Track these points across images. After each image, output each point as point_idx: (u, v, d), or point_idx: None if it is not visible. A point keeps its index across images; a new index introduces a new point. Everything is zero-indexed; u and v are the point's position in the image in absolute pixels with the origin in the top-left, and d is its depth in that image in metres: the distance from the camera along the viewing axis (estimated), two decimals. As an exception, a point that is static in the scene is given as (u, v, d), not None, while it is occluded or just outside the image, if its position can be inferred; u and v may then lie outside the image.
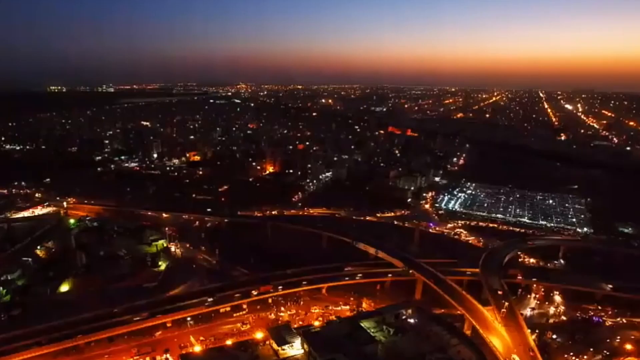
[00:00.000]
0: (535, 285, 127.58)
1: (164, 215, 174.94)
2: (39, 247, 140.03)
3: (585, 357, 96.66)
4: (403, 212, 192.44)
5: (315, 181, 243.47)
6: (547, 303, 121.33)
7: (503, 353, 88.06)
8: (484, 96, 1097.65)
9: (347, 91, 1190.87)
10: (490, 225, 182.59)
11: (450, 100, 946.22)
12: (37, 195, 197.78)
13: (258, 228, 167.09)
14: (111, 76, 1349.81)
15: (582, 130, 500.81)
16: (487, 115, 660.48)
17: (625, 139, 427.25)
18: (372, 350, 70.22)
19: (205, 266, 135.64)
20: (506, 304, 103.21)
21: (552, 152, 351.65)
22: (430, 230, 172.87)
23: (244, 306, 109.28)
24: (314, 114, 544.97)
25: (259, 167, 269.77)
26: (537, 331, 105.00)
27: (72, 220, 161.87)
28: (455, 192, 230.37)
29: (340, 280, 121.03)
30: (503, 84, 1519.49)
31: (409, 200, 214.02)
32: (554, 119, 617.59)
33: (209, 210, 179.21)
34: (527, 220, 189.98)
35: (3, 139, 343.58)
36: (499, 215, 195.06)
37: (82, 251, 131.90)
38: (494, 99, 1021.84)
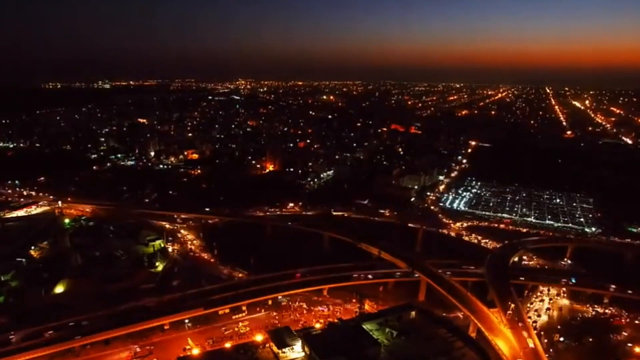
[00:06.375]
0: (542, 287, 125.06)
1: (162, 214, 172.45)
2: (33, 248, 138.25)
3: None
4: (406, 211, 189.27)
5: (316, 180, 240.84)
6: (554, 304, 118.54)
7: (509, 356, 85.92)
8: (489, 92, 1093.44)
9: (349, 87, 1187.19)
10: (496, 225, 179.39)
11: (455, 97, 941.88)
12: (31, 194, 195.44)
13: (258, 228, 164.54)
14: (107, 72, 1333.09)
15: (590, 128, 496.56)
16: (493, 112, 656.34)
17: (634, 137, 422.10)
18: (374, 353, 68.91)
19: (203, 267, 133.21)
20: (512, 305, 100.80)
21: (560, 149, 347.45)
22: (434, 230, 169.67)
23: (243, 308, 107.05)
24: (312, 112, 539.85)
25: (258, 166, 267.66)
26: (544, 333, 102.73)
27: (67, 220, 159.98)
28: (460, 191, 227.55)
29: (343, 281, 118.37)
30: (509, 80, 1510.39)
31: (413, 199, 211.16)
32: (561, 116, 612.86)
33: (207, 209, 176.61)
34: (534, 220, 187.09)
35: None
36: (505, 215, 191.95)
37: (77, 251, 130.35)
38: (499, 95, 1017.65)
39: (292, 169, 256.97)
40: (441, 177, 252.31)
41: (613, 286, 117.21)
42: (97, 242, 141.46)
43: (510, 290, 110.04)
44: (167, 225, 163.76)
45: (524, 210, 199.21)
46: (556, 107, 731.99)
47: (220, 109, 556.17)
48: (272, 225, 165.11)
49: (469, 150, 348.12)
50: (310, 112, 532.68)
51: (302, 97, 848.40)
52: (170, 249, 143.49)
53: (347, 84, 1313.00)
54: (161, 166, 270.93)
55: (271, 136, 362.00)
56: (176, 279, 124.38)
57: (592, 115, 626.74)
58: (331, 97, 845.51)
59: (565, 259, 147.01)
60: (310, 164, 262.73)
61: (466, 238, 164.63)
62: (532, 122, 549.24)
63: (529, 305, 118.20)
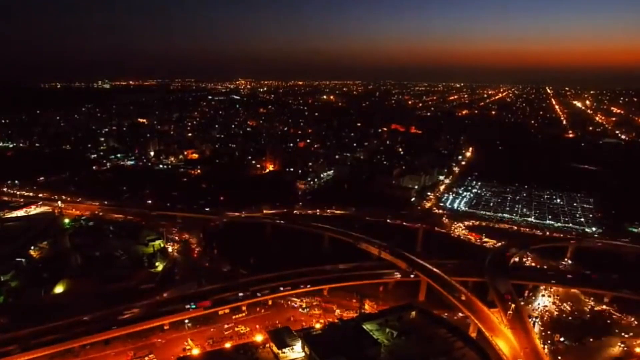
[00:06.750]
0: (542, 287, 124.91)
1: (162, 214, 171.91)
2: (33, 248, 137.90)
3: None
4: (407, 211, 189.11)
5: (316, 180, 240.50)
6: (554, 305, 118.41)
7: (509, 356, 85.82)
8: (489, 92, 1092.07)
9: (349, 87, 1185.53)
10: (497, 225, 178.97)
11: (455, 97, 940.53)
12: (31, 194, 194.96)
13: (258, 228, 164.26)
14: (107, 72, 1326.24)
15: (591, 128, 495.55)
16: (493, 112, 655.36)
17: (635, 136, 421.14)
18: (374, 353, 69.06)
19: (203, 267, 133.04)
20: (513, 305, 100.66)
21: (560, 149, 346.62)
22: (435, 230, 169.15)
23: (243, 308, 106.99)
24: (316, 114, 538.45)
25: (258, 166, 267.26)
26: (544, 334, 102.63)
27: (67, 220, 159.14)
28: (460, 191, 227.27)
29: (343, 281, 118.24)
30: (509, 79, 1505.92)
31: (413, 199, 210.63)
32: (561, 116, 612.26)
33: (207, 209, 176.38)
34: (534, 220, 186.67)
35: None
36: (505, 215, 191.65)
37: (77, 251, 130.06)
38: (500, 95, 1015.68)
39: (292, 169, 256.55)
40: (441, 177, 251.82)
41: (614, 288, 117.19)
42: (97, 242, 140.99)
43: (511, 290, 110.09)
44: (167, 225, 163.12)
45: (525, 210, 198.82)
46: (556, 107, 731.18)
47: (220, 109, 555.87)
48: (272, 225, 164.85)
49: (470, 150, 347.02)
50: (315, 114, 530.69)
51: (302, 96, 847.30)
52: (170, 249, 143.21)
53: (347, 83, 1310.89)
54: (161, 166, 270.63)
55: (271, 136, 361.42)
56: (176, 279, 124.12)
57: (593, 115, 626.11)
58: (331, 97, 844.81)
59: (566, 259, 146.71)
60: (310, 163, 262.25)
61: (466, 238, 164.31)
62: (532, 122, 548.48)
63: (529, 305, 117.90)
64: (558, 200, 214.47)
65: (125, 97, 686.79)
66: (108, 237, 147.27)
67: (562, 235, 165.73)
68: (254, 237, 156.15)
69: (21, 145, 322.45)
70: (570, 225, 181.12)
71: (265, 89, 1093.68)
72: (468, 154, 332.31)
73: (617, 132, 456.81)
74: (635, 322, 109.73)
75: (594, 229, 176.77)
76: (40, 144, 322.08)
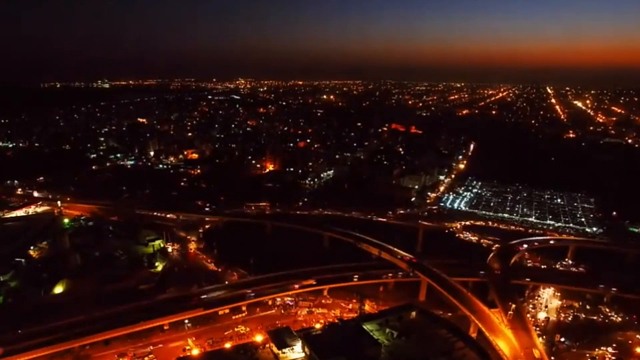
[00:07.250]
0: (542, 287, 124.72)
1: (162, 214, 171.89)
2: (32, 248, 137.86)
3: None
4: (407, 211, 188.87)
5: (316, 179, 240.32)
6: (554, 304, 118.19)
7: (510, 356, 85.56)
8: (490, 92, 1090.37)
9: (349, 87, 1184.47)
10: (497, 225, 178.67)
11: (456, 97, 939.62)
12: (31, 194, 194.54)
13: (258, 228, 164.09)
14: (107, 72, 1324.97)
15: (592, 128, 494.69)
16: (494, 112, 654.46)
17: (635, 136, 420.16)
18: (374, 353, 68.63)
19: (203, 267, 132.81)
20: (513, 305, 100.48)
21: (560, 149, 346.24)
22: (435, 230, 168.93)
23: (243, 308, 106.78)
24: (318, 112, 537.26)
25: (258, 165, 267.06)
26: (545, 334, 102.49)
27: (66, 220, 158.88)
28: (460, 191, 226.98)
29: (343, 281, 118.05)
30: (510, 79, 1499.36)
31: (413, 199, 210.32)
32: (562, 116, 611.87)
33: (207, 209, 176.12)
34: (535, 220, 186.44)
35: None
36: (506, 215, 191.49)
37: (76, 252, 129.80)
38: (500, 95, 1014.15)
39: (292, 169, 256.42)
40: (442, 177, 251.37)
41: (614, 288, 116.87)
42: (97, 242, 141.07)
43: (511, 291, 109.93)
44: (167, 225, 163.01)
45: (525, 210, 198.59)
46: (557, 106, 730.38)
47: (220, 109, 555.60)
48: (272, 225, 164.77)
49: (470, 150, 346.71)
50: (318, 113, 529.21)
51: (302, 96, 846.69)
52: (170, 249, 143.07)
53: (347, 83, 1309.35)
54: (161, 166, 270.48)
55: (271, 136, 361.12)
56: (175, 279, 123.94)
57: (593, 115, 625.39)
58: (331, 97, 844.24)
59: (567, 259, 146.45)
60: (310, 163, 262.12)
61: (467, 238, 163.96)
62: (532, 121, 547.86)
63: (530, 305, 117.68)
64: (558, 200, 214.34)
65: (125, 97, 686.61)
66: (107, 237, 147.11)
67: (564, 235, 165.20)
68: (254, 237, 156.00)
69: (21, 145, 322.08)
70: (571, 225, 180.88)
71: (265, 88, 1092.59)
72: (468, 154, 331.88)
73: (619, 131, 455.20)
74: (635, 322, 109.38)
75: (594, 229, 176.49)
76: (40, 144, 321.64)
